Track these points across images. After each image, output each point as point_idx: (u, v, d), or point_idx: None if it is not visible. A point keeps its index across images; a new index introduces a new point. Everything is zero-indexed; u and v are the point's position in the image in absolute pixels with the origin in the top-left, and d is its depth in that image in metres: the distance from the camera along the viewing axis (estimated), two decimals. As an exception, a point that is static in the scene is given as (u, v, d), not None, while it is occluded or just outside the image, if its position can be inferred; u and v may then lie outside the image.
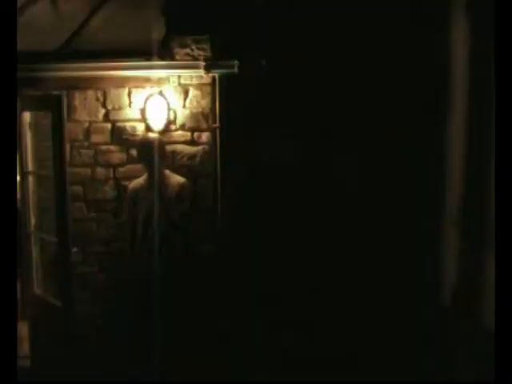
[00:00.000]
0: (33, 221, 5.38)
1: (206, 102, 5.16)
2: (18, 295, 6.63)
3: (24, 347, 5.57)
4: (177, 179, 5.05)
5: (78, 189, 5.29)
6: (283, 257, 5.16)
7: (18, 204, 6.17)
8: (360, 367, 4.80)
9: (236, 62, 4.89)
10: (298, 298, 5.15)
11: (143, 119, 5.19)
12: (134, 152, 5.18)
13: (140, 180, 5.09)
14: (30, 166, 5.29)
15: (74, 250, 5.02)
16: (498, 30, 3.04)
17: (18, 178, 5.32)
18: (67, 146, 5.09)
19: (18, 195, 5.49)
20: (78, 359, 4.97)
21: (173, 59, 5.03)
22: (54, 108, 4.79)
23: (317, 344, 5.02)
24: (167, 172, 5.04)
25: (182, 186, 5.02)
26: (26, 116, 5.22)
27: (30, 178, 5.33)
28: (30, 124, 5.26)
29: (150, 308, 4.88)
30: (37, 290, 5.39)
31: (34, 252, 5.41)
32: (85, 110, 5.23)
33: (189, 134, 5.22)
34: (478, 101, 4.29)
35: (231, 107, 5.08)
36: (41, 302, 5.29)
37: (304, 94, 5.01)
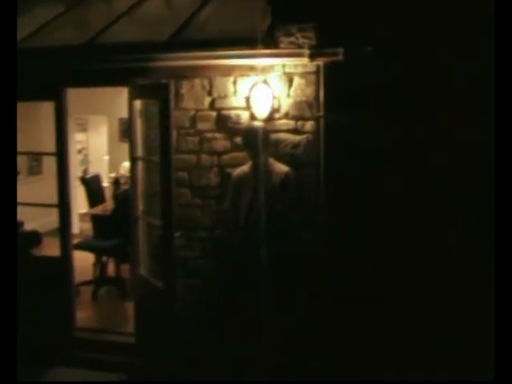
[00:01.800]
0: (140, 205, 5.84)
1: (310, 91, 5.29)
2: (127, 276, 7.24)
3: (130, 325, 6.07)
4: (281, 167, 5.23)
5: (184, 175, 5.63)
6: (387, 249, 5.23)
7: (128, 187, 6.69)
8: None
9: (341, 49, 4.95)
10: (400, 296, 5.21)
11: (248, 107, 5.41)
12: (238, 140, 5.43)
13: (244, 167, 5.31)
14: (140, 152, 5.73)
15: (177, 234, 5.38)
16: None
17: (129, 163, 5.83)
18: (174, 133, 5.47)
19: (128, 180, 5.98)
20: (178, 338, 5.32)
21: (277, 48, 5.19)
22: (162, 96, 5.12)
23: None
24: (271, 160, 5.22)
25: (285, 175, 5.18)
26: (137, 104, 5.67)
27: (140, 164, 5.77)
28: (141, 111, 5.69)
29: (250, 294, 5.11)
30: (142, 271, 5.82)
31: (141, 235, 5.88)
32: (191, 98, 5.55)
33: (292, 122, 5.38)
34: None
35: (336, 95, 5.21)
36: (145, 282, 5.69)
37: (409, 81, 5.05)
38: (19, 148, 4.70)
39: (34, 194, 6.87)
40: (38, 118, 9.05)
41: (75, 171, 10.01)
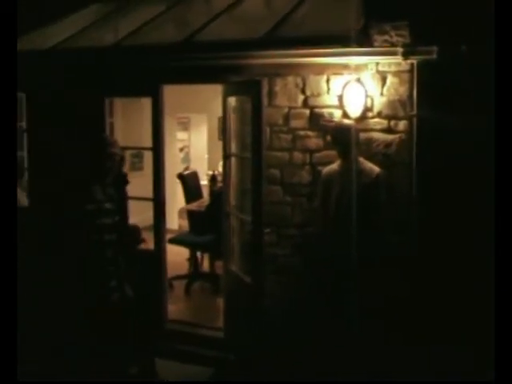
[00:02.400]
0: (233, 201, 6.01)
1: (403, 90, 5.29)
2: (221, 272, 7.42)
3: (220, 320, 6.25)
4: (371, 167, 5.23)
5: (276, 172, 5.74)
6: (481, 253, 5.14)
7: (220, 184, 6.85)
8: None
9: (435, 47, 4.93)
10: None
11: (340, 106, 5.41)
12: (330, 138, 5.52)
13: (333, 165, 5.36)
14: (233, 148, 5.91)
15: (267, 230, 5.52)
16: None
17: (222, 159, 6.02)
18: (267, 130, 5.61)
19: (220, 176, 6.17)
20: (266, 334, 5.44)
21: (371, 46, 5.22)
22: (254, 93, 5.28)
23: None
24: (361, 159, 5.24)
25: (376, 175, 5.20)
26: (231, 101, 5.86)
27: (233, 160, 5.96)
28: (234, 108, 5.88)
29: (339, 293, 5.14)
30: (233, 266, 6.00)
31: (233, 231, 6.06)
32: (285, 95, 5.65)
33: (385, 121, 5.39)
34: None
35: (429, 95, 5.19)
36: (235, 278, 5.87)
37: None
38: (121, 143, 5.00)
39: (134, 189, 7.17)
40: (140, 115, 9.43)
41: (176, 169, 10.33)
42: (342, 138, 5.20)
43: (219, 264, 7.66)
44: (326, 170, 5.42)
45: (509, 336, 2.82)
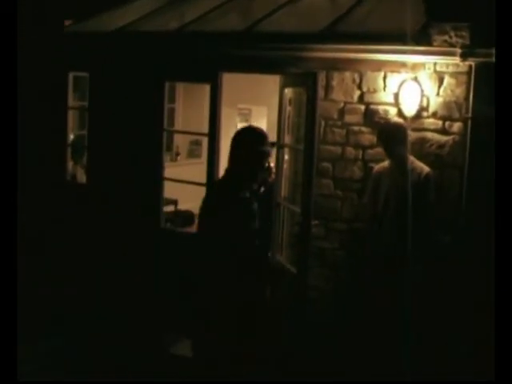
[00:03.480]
0: (284, 191, 6.19)
1: (460, 91, 5.36)
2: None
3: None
4: (422, 167, 5.30)
5: (327, 166, 5.88)
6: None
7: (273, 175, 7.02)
8: None
9: (494, 50, 4.98)
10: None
11: (396, 104, 5.56)
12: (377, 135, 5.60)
13: (384, 163, 5.46)
14: (287, 139, 6.09)
15: (315, 222, 5.67)
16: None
17: (276, 149, 6.18)
18: (322, 124, 5.76)
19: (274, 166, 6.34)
20: (309, 326, 5.63)
21: (430, 46, 5.30)
22: (310, 85, 5.41)
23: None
24: (411, 158, 5.30)
25: (426, 175, 5.25)
26: (288, 92, 6.03)
27: (286, 151, 6.14)
28: (291, 100, 6.06)
29: (387, 294, 5.23)
30: (279, 256, 6.17)
31: (281, 221, 6.23)
32: (341, 90, 5.79)
33: (440, 122, 5.47)
34: None
35: (486, 98, 5.25)
36: (281, 267, 6.02)
37: None
38: (179, 128, 5.17)
39: (191, 175, 7.42)
40: (201, 102, 9.68)
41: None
42: (387, 136, 5.32)
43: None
44: (378, 167, 5.53)
45: (509, 336, 2.87)
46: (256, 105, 11.63)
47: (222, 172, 6.58)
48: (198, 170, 8.42)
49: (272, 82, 8.17)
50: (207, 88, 6.63)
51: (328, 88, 5.81)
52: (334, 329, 5.77)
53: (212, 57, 6.20)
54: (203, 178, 6.59)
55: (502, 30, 3.32)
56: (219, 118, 6.40)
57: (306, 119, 5.51)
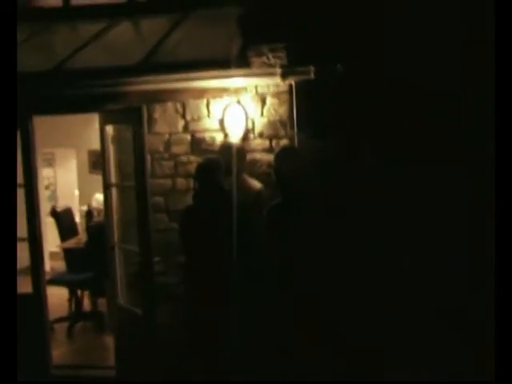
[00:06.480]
0: (116, 232, 6.10)
1: (283, 110, 5.63)
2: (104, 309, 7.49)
3: (110, 358, 6.30)
4: (255, 184, 5.46)
5: (160, 200, 5.90)
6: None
7: (102, 216, 6.93)
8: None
9: (312, 67, 5.27)
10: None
11: (222, 129, 5.72)
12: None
13: None
14: (114, 178, 6.00)
15: (157, 259, 5.65)
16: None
17: (103, 190, 6.10)
18: (148, 158, 5.78)
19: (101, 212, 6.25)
20: (160, 366, 5.54)
21: (249, 68, 5.50)
22: (135, 120, 5.43)
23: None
24: (245, 176, 5.46)
25: (258, 192, 5.40)
26: (109, 129, 5.98)
27: (114, 190, 6.04)
28: (113, 137, 6.01)
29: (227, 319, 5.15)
30: (121, 300, 6.04)
31: (118, 263, 6.13)
32: (165, 122, 5.85)
33: (267, 142, 5.70)
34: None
35: (309, 114, 5.55)
36: (124, 312, 5.90)
37: (381, 99, 5.40)
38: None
39: None
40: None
41: (44, 207, 10.19)
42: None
43: (101, 301, 7.72)
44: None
45: (509, 336, 2.94)
46: (62, 147, 11.38)
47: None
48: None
49: (80, 122, 8.03)
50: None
51: (150, 121, 5.83)
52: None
53: (22, 100, 5.95)
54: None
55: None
56: (35, 166, 6.16)
57: (134, 155, 5.49)
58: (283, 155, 4.91)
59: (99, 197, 8.13)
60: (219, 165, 5.27)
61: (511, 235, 3.06)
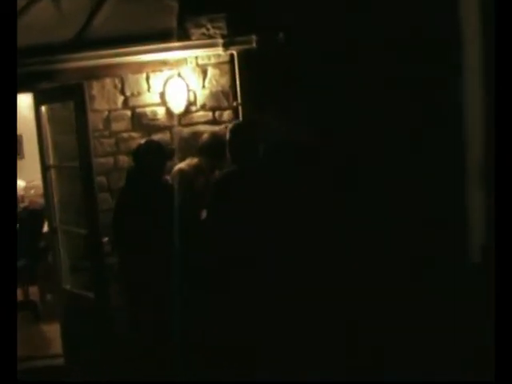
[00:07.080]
0: (58, 215, 5.93)
1: (225, 81, 5.66)
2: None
3: (52, 346, 6.15)
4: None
5: (102, 179, 5.80)
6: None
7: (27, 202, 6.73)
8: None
9: (254, 37, 5.37)
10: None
11: (163, 103, 5.69)
12: (156, 137, 5.67)
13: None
14: (52, 160, 5.84)
15: (105, 239, 5.55)
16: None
17: (41, 172, 5.92)
18: (90, 136, 5.65)
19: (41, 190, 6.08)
20: (112, 355, 5.43)
21: (189, 40, 5.52)
22: (76, 98, 5.25)
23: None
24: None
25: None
26: (46, 109, 5.80)
27: (53, 172, 5.88)
28: (49, 117, 5.83)
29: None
30: (66, 285, 5.90)
31: (61, 246, 5.98)
32: (103, 98, 5.74)
33: (210, 113, 5.72)
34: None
35: (252, 83, 5.59)
36: (71, 296, 5.79)
37: (324, 70, 5.46)
38: None
39: None
40: None
41: None
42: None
43: (33, 290, 7.52)
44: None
45: (509, 336, 2.96)
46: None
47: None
48: None
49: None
50: None
51: (89, 98, 5.66)
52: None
53: None
54: None
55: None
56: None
57: (77, 134, 5.32)
58: (237, 129, 4.92)
59: (21, 183, 7.87)
60: (160, 148, 5.24)
61: (511, 235, 3.07)
